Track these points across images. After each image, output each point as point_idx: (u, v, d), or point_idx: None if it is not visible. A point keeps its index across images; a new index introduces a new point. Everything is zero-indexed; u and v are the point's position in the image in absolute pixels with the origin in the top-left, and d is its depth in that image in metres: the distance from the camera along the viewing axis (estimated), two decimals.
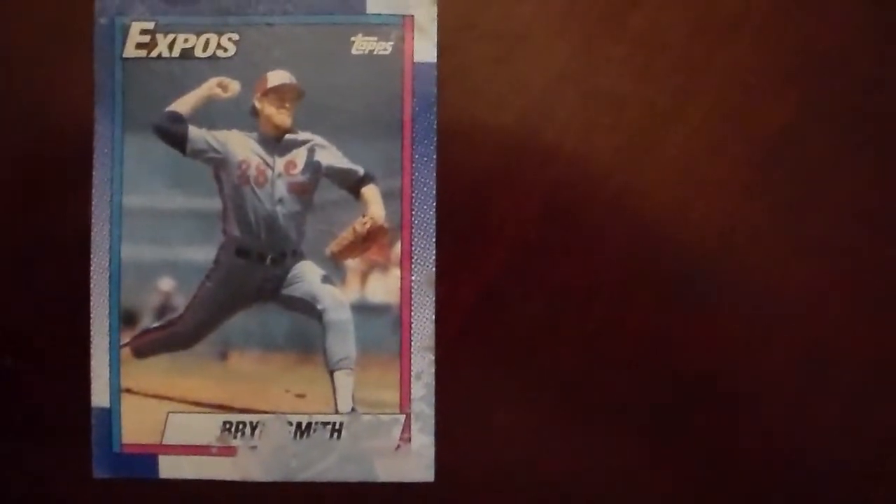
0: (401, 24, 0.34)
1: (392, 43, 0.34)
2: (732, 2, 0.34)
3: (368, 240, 0.34)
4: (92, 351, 0.34)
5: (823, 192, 0.34)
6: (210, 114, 0.34)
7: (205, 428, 0.34)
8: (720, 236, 0.34)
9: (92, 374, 0.34)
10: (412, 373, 0.34)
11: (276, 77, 0.34)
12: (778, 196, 0.34)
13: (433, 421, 0.34)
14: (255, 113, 0.34)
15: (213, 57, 0.34)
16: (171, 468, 0.34)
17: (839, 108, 0.34)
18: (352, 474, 0.34)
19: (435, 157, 0.34)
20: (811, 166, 0.34)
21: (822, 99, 0.34)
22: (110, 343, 0.34)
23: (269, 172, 0.35)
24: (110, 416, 0.34)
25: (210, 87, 0.34)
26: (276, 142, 0.34)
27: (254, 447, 0.34)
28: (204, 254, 0.34)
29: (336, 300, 0.34)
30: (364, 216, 0.34)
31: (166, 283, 0.34)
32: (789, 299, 0.35)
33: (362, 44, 0.34)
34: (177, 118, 0.34)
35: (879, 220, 0.35)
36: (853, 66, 0.34)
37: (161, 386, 0.34)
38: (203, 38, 0.34)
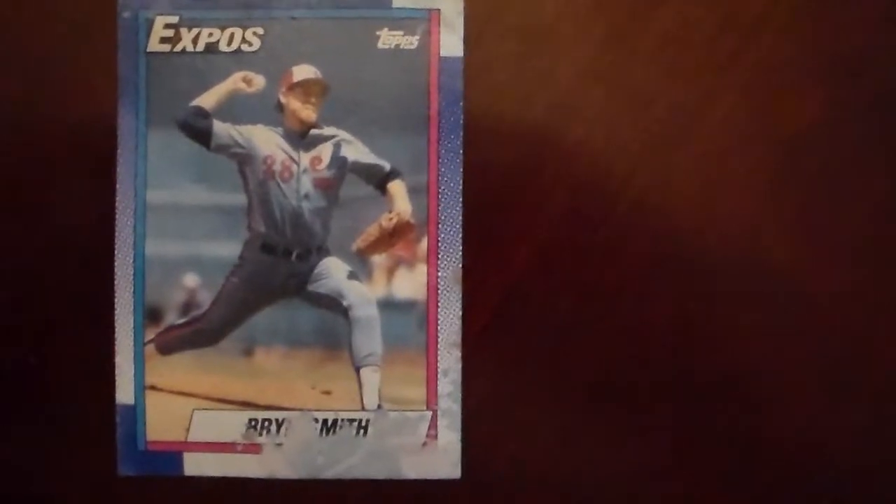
0: (427, 19, 0.34)
1: (418, 37, 0.34)
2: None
3: (395, 236, 0.34)
4: (116, 348, 0.34)
5: (850, 190, 0.34)
6: (234, 109, 0.34)
7: (230, 425, 0.34)
8: (746, 234, 0.34)
9: (116, 371, 0.34)
10: (439, 369, 0.34)
11: (302, 72, 0.34)
12: (804, 195, 0.34)
13: (460, 418, 0.34)
14: (280, 108, 0.34)
15: (238, 51, 0.34)
16: (196, 465, 0.34)
17: (866, 105, 0.34)
18: (378, 471, 0.34)
19: (461, 152, 0.34)
20: (838, 165, 0.34)
21: (849, 97, 0.34)
22: (135, 340, 0.34)
23: (294, 168, 0.34)
24: (135, 413, 0.34)
25: (234, 81, 0.34)
26: (301, 137, 0.34)
27: (279, 444, 0.34)
28: (229, 250, 0.34)
29: (362, 296, 0.34)
30: (390, 212, 0.34)
31: (191, 280, 0.34)
32: (815, 298, 0.34)
33: (388, 38, 0.34)
34: (201, 113, 0.34)
35: None
36: (880, 64, 0.34)
37: (186, 383, 0.34)
38: (227, 32, 0.34)
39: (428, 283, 0.34)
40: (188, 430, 0.34)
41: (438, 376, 0.34)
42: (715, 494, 0.35)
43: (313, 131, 0.34)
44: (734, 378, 0.34)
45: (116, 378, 0.34)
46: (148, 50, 0.34)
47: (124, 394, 0.34)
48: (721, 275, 0.34)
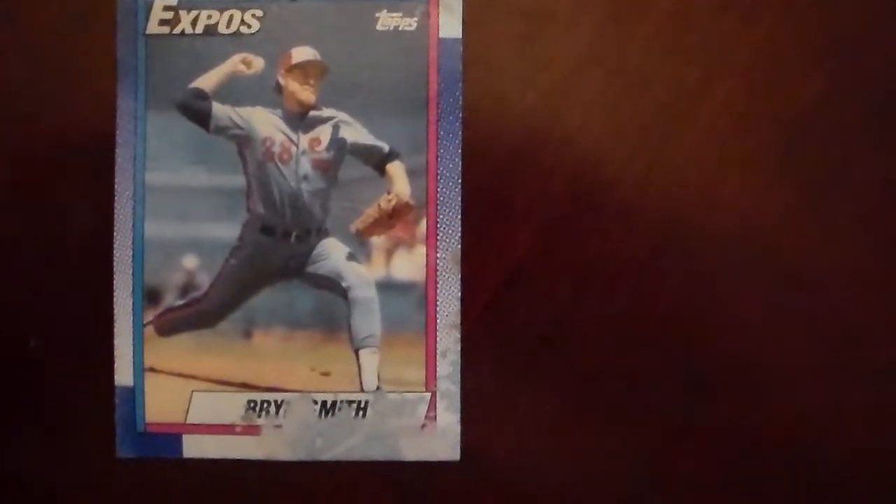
0: (426, 0, 0.34)
1: (417, 19, 0.34)
2: None
3: (394, 217, 0.34)
4: (115, 329, 0.34)
5: (852, 170, 0.34)
6: (234, 90, 0.34)
7: (229, 407, 0.34)
8: (748, 216, 0.34)
9: (115, 353, 0.34)
10: (438, 351, 0.34)
11: (301, 53, 0.34)
12: (806, 175, 0.34)
13: (459, 399, 0.34)
14: (279, 89, 0.34)
15: (237, 33, 0.34)
16: (195, 447, 0.34)
17: (867, 85, 0.34)
18: (377, 453, 0.34)
19: (460, 133, 0.34)
20: (839, 145, 0.34)
21: (850, 77, 0.34)
22: (134, 321, 0.34)
23: (293, 149, 0.34)
24: (134, 394, 0.34)
25: (234, 63, 0.34)
26: (300, 118, 0.34)
27: (278, 426, 0.34)
28: (228, 231, 0.34)
29: (361, 278, 0.34)
30: (389, 193, 0.34)
31: (190, 261, 0.34)
32: (816, 281, 0.34)
33: (387, 19, 0.34)
34: (200, 95, 0.34)
35: None
36: (881, 44, 0.34)
37: (185, 364, 0.34)
38: (226, 14, 0.34)
39: (427, 264, 0.34)
40: (187, 411, 0.34)
41: (437, 358, 0.34)
42: (715, 479, 0.35)
43: (312, 113, 0.34)
44: (737, 360, 0.34)
45: (115, 360, 0.34)
46: (147, 32, 0.34)
47: (123, 375, 0.34)
48: (721, 258, 0.34)
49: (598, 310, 0.34)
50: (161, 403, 0.34)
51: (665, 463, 0.35)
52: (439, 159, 0.34)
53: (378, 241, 0.34)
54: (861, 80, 0.34)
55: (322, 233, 0.34)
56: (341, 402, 0.34)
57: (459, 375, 0.34)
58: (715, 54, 0.34)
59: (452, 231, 0.34)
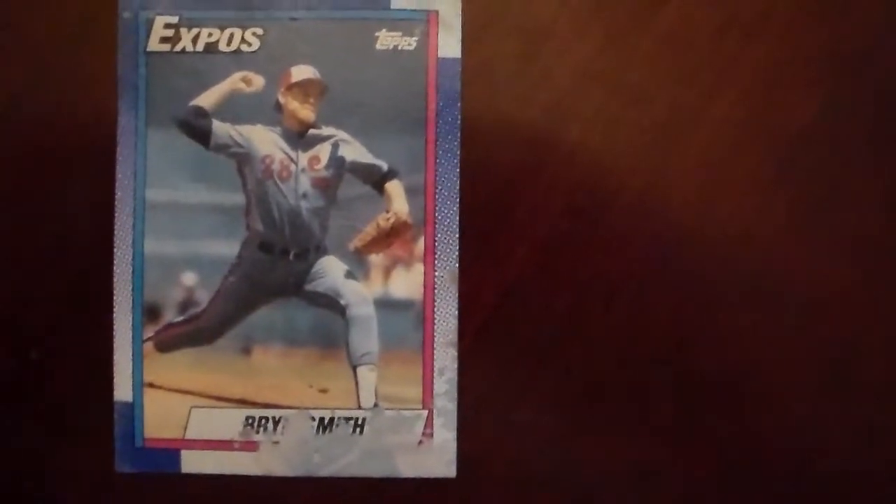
0: (425, 20, 0.34)
1: (416, 38, 0.34)
2: (759, 0, 0.34)
3: (392, 235, 0.34)
4: (115, 345, 0.34)
5: (848, 190, 0.34)
6: (234, 108, 0.34)
7: (227, 423, 0.34)
8: (744, 234, 0.34)
9: (115, 369, 0.34)
10: (435, 368, 0.34)
11: (300, 72, 0.34)
12: (802, 194, 0.34)
13: (455, 417, 0.34)
14: (278, 108, 0.34)
15: (237, 51, 0.34)
16: (193, 463, 0.34)
17: (865, 104, 0.34)
18: (374, 470, 0.34)
19: (459, 152, 0.34)
20: (836, 164, 0.34)
21: (847, 97, 0.34)
22: (133, 337, 0.34)
23: (292, 167, 0.34)
24: (133, 410, 0.34)
25: (234, 81, 0.34)
26: (299, 137, 0.34)
27: (276, 442, 0.34)
28: (227, 248, 0.34)
29: (359, 295, 0.34)
30: (388, 212, 0.34)
31: (189, 278, 0.34)
32: (813, 297, 0.34)
33: (386, 39, 0.34)
34: (200, 112, 0.34)
35: None
36: (878, 65, 0.34)
37: (184, 380, 0.34)
38: (227, 32, 0.34)
39: (425, 282, 0.34)
40: (186, 427, 0.34)
41: (434, 375, 0.34)
42: (712, 494, 0.35)
43: (312, 131, 0.34)
44: (732, 377, 0.34)
45: (115, 375, 0.34)
46: (148, 50, 0.34)
47: (122, 391, 0.34)
48: (719, 275, 0.34)
49: (595, 327, 0.34)
50: (160, 419, 0.34)
51: (662, 477, 0.35)
52: (438, 178, 0.34)
53: (376, 259, 0.34)
54: (859, 99, 0.34)
55: (321, 250, 0.34)
56: (339, 418, 0.34)
57: (456, 393, 0.34)
58: (714, 72, 0.34)
59: (450, 249, 0.34)
